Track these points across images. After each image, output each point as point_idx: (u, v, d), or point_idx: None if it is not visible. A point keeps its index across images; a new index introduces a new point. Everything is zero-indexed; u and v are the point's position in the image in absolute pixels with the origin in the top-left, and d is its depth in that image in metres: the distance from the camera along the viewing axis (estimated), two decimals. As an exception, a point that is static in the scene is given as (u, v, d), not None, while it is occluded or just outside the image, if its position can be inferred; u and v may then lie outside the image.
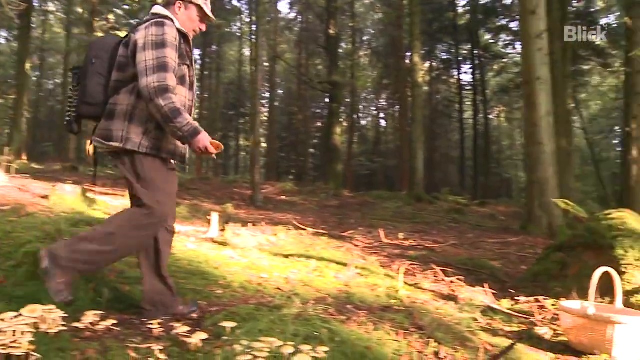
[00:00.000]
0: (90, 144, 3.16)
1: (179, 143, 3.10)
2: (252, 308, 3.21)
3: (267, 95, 37.19)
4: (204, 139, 2.98)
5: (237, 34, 36.34)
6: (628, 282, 4.29)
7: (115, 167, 3.39)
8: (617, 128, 30.96)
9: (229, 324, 2.70)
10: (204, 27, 3.33)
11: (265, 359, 2.29)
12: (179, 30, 3.08)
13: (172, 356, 2.40)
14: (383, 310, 3.68)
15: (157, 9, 3.17)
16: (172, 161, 3.18)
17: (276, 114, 36.86)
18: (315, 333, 2.81)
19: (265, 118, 36.41)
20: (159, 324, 2.73)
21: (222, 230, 7.11)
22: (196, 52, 36.17)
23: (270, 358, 2.32)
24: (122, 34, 3.60)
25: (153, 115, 2.94)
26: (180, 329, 2.65)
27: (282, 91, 42.52)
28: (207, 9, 3.28)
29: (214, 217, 7.32)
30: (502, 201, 21.89)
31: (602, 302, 4.00)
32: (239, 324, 2.76)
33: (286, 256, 5.77)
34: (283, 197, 16.80)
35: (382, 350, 2.79)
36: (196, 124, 2.96)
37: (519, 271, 6.11)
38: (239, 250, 5.94)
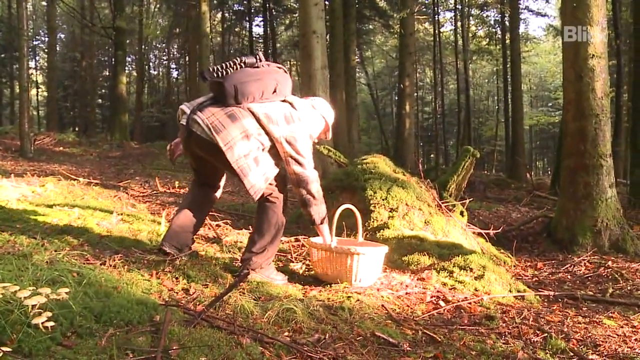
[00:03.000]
0: (190, 115, 3.34)
1: (262, 182, 3.37)
2: (-6, 258, 3.00)
3: (46, 38, 33.95)
4: (327, 232, 3.67)
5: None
6: (375, 220, 4.70)
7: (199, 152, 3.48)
8: (398, 85, 33.35)
9: (-46, 274, 2.49)
10: (317, 139, 3.78)
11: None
12: None
13: None
14: (141, 253, 3.65)
15: (308, 110, 3.62)
16: None
17: (58, 60, 33.81)
18: (62, 277, 2.72)
19: (46, 63, 33.30)
20: None
21: (-22, 182, 6.47)
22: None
23: (3, 303, 2.20)
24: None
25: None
26: None
27: (63, 35, 39.15)
28: (330, 127, 3.83)
29: (-36, 167, 6.63)
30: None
31: (349, 238, 4.38)
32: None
33: (49, 206, 5.42)
34: (61, 149, 15.68)
35: (130, 290, 2.76)
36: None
37: (290, 215, 6.42)
38: (-8, 202, 5.44)
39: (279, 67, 3.57)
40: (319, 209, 3.53)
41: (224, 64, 3.36)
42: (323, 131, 3.81)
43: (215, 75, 3.32)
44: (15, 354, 1.85)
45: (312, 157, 3.49)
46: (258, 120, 3.34)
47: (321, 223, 3.60)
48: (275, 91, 3.43)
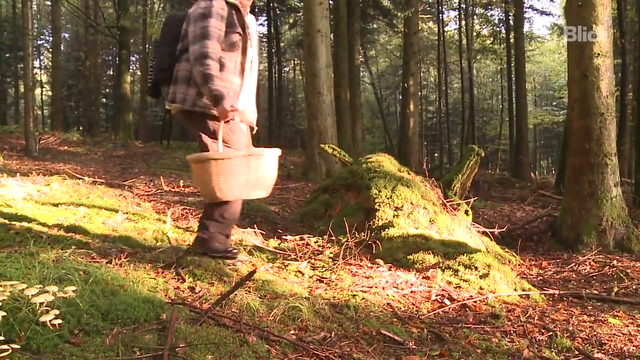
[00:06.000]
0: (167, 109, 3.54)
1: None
2: (1, 256, 3.01)
3: (50, 38, 33.99)
4: (225, 107, 3.23)
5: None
6: (380, 218, 4.70)
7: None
8: (402, 84, 33.17)
9: (-39, 271, 2.50)
10: None
11: (3, 302, 2.17)
12: (227, 2, 3.36)
13: None
14: (146, 252, 3.66)
15: None
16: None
17: (62, 59, 33.84)
18: (68, 275, 2.73)
19: (50, 63, 33.35)
20: None
21: (-16, 181, 6.48)
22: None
23: (11, 300, 2.21)
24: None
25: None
26: None
27: (67, 34, 39.20)
28: None
29: (-30, 166, 6.64)
30: (295, 151, 22.66)
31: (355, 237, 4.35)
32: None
33: (55, 205, 5.44)
34: (65, 148, 15.71)
35: (136, 288, 2.77)
36: (223, 92, 3.21)
37: (294, 214, 6.42)
38: (-1, 200, 5.46)
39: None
40: (206, 89, 3.24)
41: (148, 76, 3.72)
42: None
43: (153, 85, 3.67)
44: (23, 351, 1.86)
45: (211, 38, 3.24)
46: (182, 52, 3.46)
47: (205, 83, 3.22)
48: (167, 32, 3.56)
